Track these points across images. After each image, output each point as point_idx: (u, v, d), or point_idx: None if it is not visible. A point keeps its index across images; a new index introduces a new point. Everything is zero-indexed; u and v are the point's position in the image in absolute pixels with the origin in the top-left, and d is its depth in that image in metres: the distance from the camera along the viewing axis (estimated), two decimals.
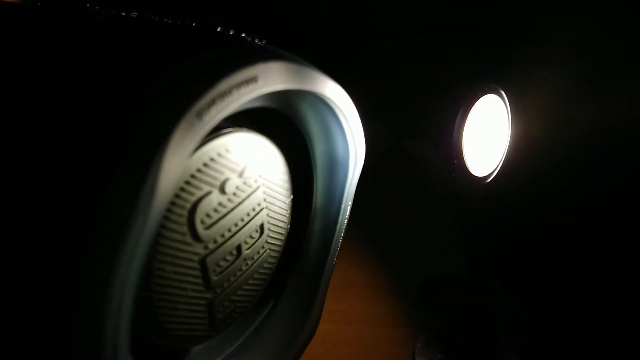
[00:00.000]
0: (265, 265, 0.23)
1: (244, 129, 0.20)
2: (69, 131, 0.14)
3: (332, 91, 0.20)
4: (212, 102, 0.15)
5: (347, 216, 0.26)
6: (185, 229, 0.17)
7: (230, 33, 0.19)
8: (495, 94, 0.24)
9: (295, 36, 0.19)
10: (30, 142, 0.14)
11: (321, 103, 0.21)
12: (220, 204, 0.19)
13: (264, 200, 0.21)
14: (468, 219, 0.28)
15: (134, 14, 0.19)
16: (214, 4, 0.21)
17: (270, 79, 0.17)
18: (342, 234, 0.26)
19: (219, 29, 0.19)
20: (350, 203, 0.25)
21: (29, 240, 0.14)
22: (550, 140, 0.20)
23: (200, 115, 0.14)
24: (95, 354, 0.14)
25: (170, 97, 0.14)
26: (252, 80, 0.16)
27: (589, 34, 0.19)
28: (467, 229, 0.28)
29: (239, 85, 0.15)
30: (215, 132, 0.18)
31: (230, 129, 0.19)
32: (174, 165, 0.14)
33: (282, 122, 0.22)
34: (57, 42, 0.17)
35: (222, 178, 0.18)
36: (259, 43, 0.18)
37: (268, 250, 0.23)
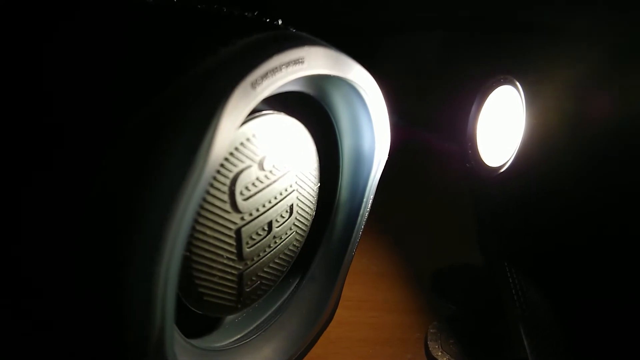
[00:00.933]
0: (291, 247, 0.24)
1: (283, 113, 0.21)
2: (146, 85, 0.15)
3: (366, 82, 0.22)
4: (265, 75, 0.16)
5: (368, 209, 0.27)
6: (226, 197, 0.19)
7: (277, 22, 0.21)
8: (510, 85, 0.26)
9: (314, 29, 0.20)
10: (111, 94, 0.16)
11: (354, 93, 0.22)
12: (258, 178, 0.20)
13: (296, 182, 0.23)
14: (482, 209, 0.29)
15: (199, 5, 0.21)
16: None
17: (314, 62, 0.18)
18: (363, 226, 0.27)
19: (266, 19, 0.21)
20: (372, 197, 0.27)
21: (93, 187, 0.15)
22: (566, 131, 0.21)
23: (254, 85, 0.16)
24: (147, 299, 0.15)
25: (231, 66, 0.16)
26: (299, 60, 0.18)
27: (607, 26, 0.20)
28: (481, 218, 0.29)
29: (287, 63, 0.17)
30: (258, 112, 0.20)
31: (271, 111, 0.20)
32: (229, 126, 0.15)
33: (316, 114, 0.24)
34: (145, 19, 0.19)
35: (261, 154, 0.20)
36: (302, 32, 0.20)
37: (294, 233, 0.24)
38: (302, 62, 0.18)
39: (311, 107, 0.23)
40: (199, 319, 0.22)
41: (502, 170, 0.25)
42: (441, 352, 0.27)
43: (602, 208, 0.20)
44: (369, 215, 0.27)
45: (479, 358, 0.26)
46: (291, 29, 0.20)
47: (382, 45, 0.37)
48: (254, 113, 0.19)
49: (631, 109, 0.18)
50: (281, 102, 0.21)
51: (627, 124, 0.18)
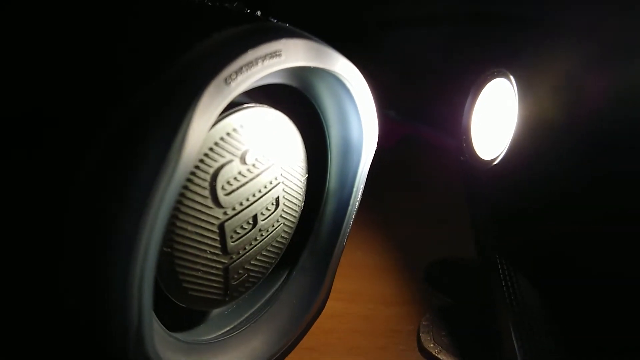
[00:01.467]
0: (279, 239, 0.24)
1: (266, 105, 0.21)
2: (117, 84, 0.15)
3: (350, 72, 0.21)
4: (239, 70, 0.16)
5: (358, 199, 0.27)
6: (207, 192, 0.19)
7: (257, 14, 0.20)
8: (503, 78, 0.25)
9: (307, 23, 0.20)
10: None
11: (339, 84, 0.22)
12: (240, 173, 0.20)
13: (281, 175, 0.22)
14: (476, 201, 0.29)
15: None
16: None
17: (292, 55, 0.18)
18: (353, 217, 0.27)
19: (246, 10, 0.20)
20: (362, 187, 0.26)
21: (65, 181, 0.15)
22: (558, 123, 0.21)
23: (227, 81, 0.16)
24: (123, 296, 0.15)
25: (202, 62, 0.15)
26: (276, 53, 0.17)
27: (600, 19, 0.20)
28: (475, 211, 0.29)
29: (264, 57, 0.17)
30: (239, 105, 0.19)
31: (253, 104, 0.20)
32: (202, 124, 0.15)
33: (302, 104, 0.24)
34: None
35: (243, 148, 0.20)
36: (283, 23, 0.20)
37: (282, 225, 0.24)
38: (280, 55, 0.17)
39: (296, 97, 0.23)
40: (185, 313, 0.22)
41: (495, 162, 0.25)
42: (433, 343, 0.27)
43: (597, 200, 0.19)
44: (364, 208, 0.27)
45: (471, 350, 0.26)
46: (271, 20, 0.20)
47: (376, 40, 0.37)
48: (235, 107, 0.19)
49: (623, 102, 0.18)
50: (264, 94, 0.21)
51: (619, 116, 0.18)
